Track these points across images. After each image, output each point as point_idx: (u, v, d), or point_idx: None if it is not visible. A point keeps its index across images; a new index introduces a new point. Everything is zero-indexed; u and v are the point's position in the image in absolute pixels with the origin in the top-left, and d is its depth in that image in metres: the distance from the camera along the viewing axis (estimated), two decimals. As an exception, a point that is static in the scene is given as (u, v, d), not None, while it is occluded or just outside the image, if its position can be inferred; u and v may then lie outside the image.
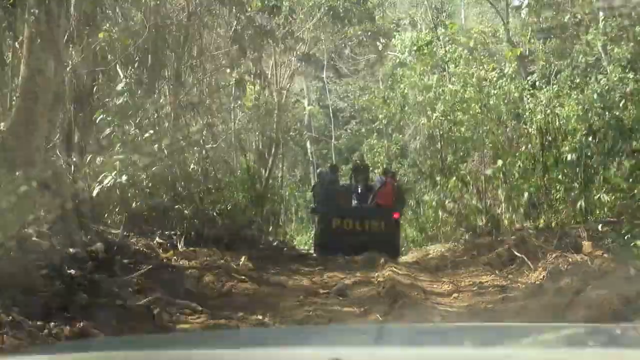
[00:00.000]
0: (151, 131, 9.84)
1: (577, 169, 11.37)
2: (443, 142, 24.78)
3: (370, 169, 20.78)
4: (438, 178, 24.37)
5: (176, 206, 10.48)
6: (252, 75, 12.69)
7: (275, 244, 15.65)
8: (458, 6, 40.66)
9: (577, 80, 20.73)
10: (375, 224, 15.63)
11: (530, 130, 16.32)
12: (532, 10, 25.10)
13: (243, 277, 8.82)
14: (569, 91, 20.17)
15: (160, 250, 9.46)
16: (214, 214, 12.95)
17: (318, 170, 18.87)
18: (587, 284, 7.74)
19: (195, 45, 11.89)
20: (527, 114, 17.29)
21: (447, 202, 23.60)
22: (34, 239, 7.60)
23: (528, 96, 21.02)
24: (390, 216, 15.82)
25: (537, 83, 22.21)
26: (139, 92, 11.21)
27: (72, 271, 7.32)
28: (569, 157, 11.45)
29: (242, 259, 10.20)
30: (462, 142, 22.73)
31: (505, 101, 20.82)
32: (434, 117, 23.81)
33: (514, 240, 11.26)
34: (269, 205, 17.72)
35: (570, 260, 8.75)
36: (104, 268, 7.81)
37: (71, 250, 7.82)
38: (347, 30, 21.97)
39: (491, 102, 21.10)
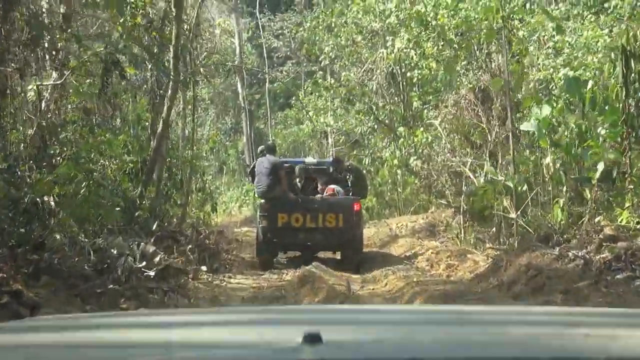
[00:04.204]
0: None
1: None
2: (407, 82, 19.52)
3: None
4: (401, 129, 19.22)
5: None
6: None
7: (158, 259, 8.56)
8: None
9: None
10: (332, 219, 12.49)
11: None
12: None
13: None
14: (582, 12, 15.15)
15: None
16: (46, 205, 7.41)
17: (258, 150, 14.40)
18: None
19: None
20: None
21: (412, 160, 18.45)
22: None
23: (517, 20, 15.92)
24: (351, 208, 12.57)
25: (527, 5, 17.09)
26: None
27: None
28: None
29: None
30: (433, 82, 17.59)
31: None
32: (395, 49, 18.40)
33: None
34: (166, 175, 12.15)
35: None
36: None
37: None
38: None
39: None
